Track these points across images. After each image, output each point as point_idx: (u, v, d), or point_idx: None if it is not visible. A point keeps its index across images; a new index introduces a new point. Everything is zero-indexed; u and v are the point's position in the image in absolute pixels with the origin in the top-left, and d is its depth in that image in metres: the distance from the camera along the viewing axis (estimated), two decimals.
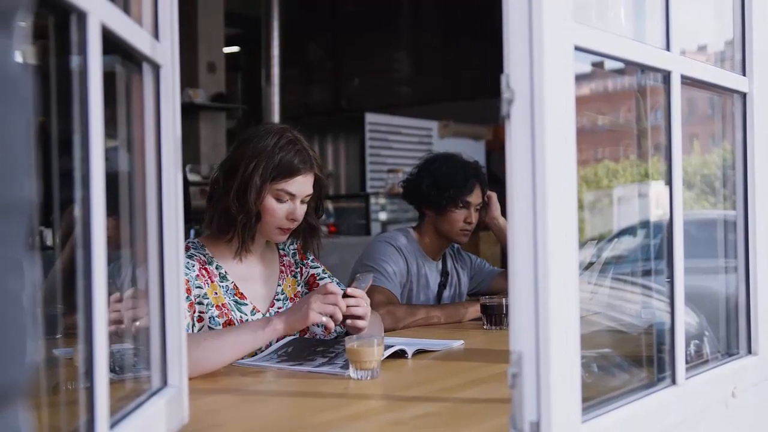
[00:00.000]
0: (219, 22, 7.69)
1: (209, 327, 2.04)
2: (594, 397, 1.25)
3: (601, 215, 1.71)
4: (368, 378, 1.77)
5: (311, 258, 2.34)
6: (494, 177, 5.67)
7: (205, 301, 2.05)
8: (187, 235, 1.89)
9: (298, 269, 2.31)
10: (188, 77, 7.19)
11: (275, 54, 7.27)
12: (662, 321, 1.50)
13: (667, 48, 1.46)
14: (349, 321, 2.02)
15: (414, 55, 10.14)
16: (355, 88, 10.30)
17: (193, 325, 2.01)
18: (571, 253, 1.14)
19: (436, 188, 2.87)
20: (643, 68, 1.50)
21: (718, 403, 1.58)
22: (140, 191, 1.27)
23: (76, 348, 1.01)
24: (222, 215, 2.10)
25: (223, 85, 7.78)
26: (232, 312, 2.08)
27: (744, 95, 1.73)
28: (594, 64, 1.37)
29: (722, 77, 1.69)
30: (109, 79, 1.02)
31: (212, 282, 2.09)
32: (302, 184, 2.10)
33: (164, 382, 1.30)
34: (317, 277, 2.31)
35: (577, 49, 1.18)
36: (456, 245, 3.08)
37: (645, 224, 1.74)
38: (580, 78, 1.19)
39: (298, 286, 2.29)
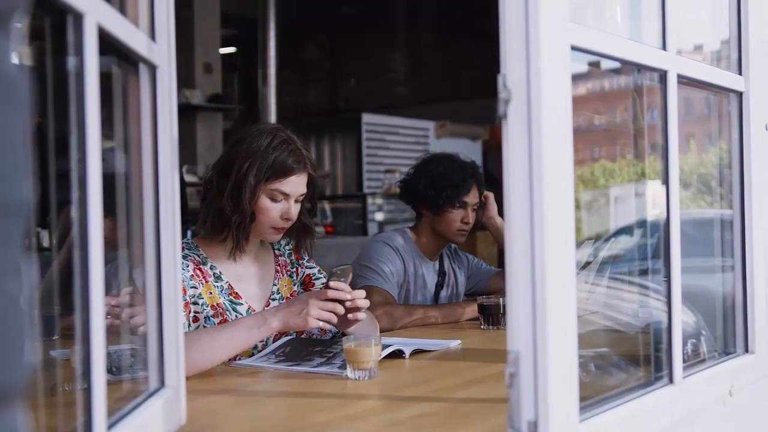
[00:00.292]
0: (215, 23, 7.69)
1: (204, 327, 2.04)
2: (592, 397, 1.25)
3: (597, 215, 1.72)
4: (366, 378, 1.77)
5: (306, 258, 2.34)
6: (491, 177, 5.68)
7: (200, 301, 2.05)
8: (183, 236, 1.89)
9: (294, 269, 2.31)
10: (185, 78, 7.19)
11: (272, 54, 7.26)
12: (659, 320, 1.51)
13: (664, 47, 1.46)
14: (350, 315, 2.00)
15: (411, 55, 10.15)
16: (352, 88, 10.31)
17: (189, 325, 2.02)
18: (568, 253, 1.14)
19: (433, 188, 2.87)
20: (640, 68, 1.50)
21: (715, 402, 1.58)
22: (137, 192, 1.27)
23: (73, 349, 1.01)
24: (216, 215, 2.10)
25: (220, 85, 7.78)
26: (228, 312, 2.09)
27: (740, 94, 1.74)
28: (590, 64, 1.37)
29: (718, 76, 1.69)
30: (105, 80, 1.02)
31: (207, 282, 2.09)
32: (296, 184, 2.11)
33: (162, 383, 1.30)
34: (313, 277, 2.31)
35: (574, 48, 1.18)
36: (453, 245, 3.08)
37: (642, 224, 1.74)
38: (576, 78, 1.19)
39: (294, 285, 2.29)
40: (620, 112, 1.81)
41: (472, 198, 2.90)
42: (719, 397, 1.59)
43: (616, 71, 1.60)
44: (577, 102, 1.18)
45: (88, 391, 0.94)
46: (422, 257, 2.95)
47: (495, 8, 1.12)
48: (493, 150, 8.22)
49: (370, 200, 7.71)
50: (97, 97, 0.97)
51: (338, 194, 8.60)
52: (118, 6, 1.13)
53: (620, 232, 1.85)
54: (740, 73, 1.73)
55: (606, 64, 1.45)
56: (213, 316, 2.07)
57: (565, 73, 1.15)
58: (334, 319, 1.93)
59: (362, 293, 2.01)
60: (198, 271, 2.08)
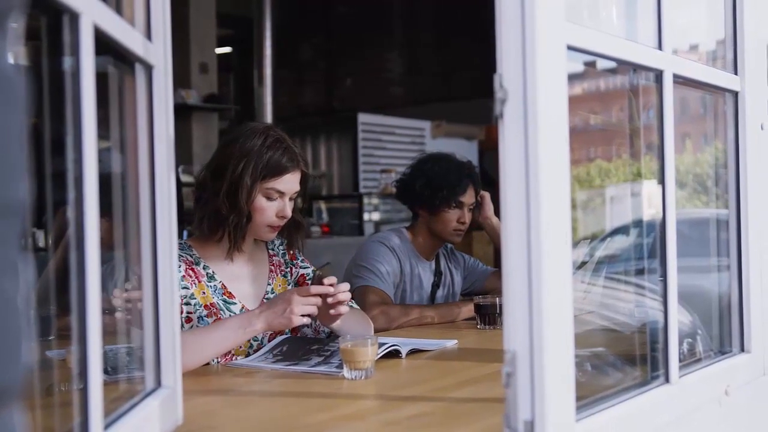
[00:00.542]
0: (211, 23, 7.68)
1: (197, 327, 2.05)
2: (588, 396, 1.25)
3: (593, 214, 1.72)
4: (362, 378, 1.77)
5: (301, 258, 2.35)
6: (487, 177, 5.68)
7: (193, 302, 2.06)
8: (180, 236, 1.90)
9: (288, 269, 2.32)
10: (180, 78, 7.18)
11: (268, 54, 7.26)
12: (655, 320, 1.51)
13: (659, 47, 1.46)
14: (332, 311, 2.03)
15: (407, 55, 10.15)
16: (348, 88, 10.31)
17: (182, 326, 2.01)
18: (564, 253, 1.14)
19: (429, 188, 2.87)
20: (636, 67, 1.50)
21: (711, 402, 1.59)
22: (133, 192, 1.27)
23: (69, 349, 1.01)
24: (211, 216, 2.11)
25: (216, 85, 7.77)
26: (221, 312, 2.09)
27: (736, 94, 1.74)
28: (586, 64, 1.37)
29: (714, 76, 1.69)
30: (101, 79, 1.01)
31: (199, 282, 2.10)
32: (291, 182, 2.13)
33: (158, 383, 1.30)
34: (307, 277, 2.32)
35: (570, 48, 1.18)
36: (449, 245, 3.08)
37: (637, 223, 1.75)
38: (572, 77, 1.19)
39: (288, 285, 2.29)
40: (616, 111, 1.81)
41: (468, 198, 2.90)
42: (715, 396, 1.60)
43: (611, 71, 1.60)
44: (573, 102, 1.18)
45: (84, 391, 0.94)
46: (418, 257, 2.95)
47: (491, 8, 1.12)
48: (489, 150, 8.22)
49: (366, 200, 7.71)
50: (93, 97, 0.97)
51: (334, 194, 8.59)
52: (114, 6, 1.13)
53: (616, 231, 1.85)
54: (736, 73, 1.74)
55: (602, 64, 1.45)
56: (207, 315, 2.07)
57: (562, 73, 1.15)
58: (315, 310, 1.95)
59: (346, 286, 2.04)
60: (190, 272, 2.09)
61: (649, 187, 1.58)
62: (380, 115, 8.70)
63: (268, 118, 7.15)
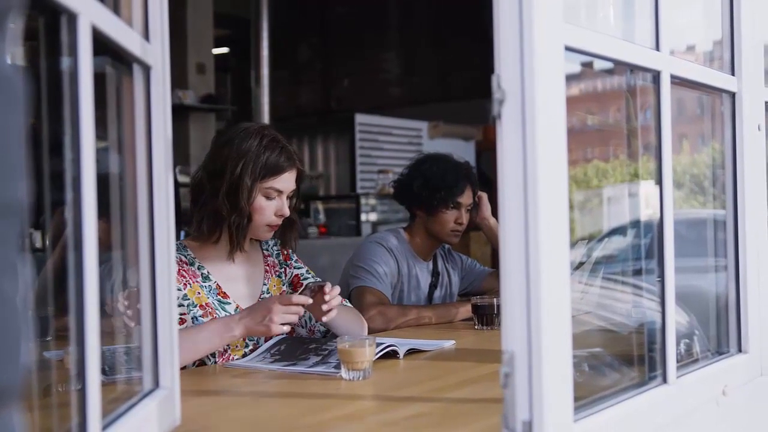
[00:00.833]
0: (208, 23, 7.67)
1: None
2: (586, 397, 1.26)
3: (590, 215, 1.72)
4: (360, 378, 1.77)
5: (294, 258, 2.37)
6: (484, 177, 5.69)
7: (186, 302, 2.06)
8: (177, 237, 1.89)
9: (282, 269, 2.33)
10: (178, 78, 7.18)
11: (264, 55, 7.26)
12: (653, 320, 1.51)
13: (657, 48, 1.46)
14: (325, 318, 2.04)
15: (404, 55, 10.15)
16: (345, 88, 10.31)
17: None
18: (562, 253, 1.14)
19: (427, 189, 2.87)
20: (634, 68, 1.50)
21: (709, 402, 1.59)
22: (131, 193, 1.27)
23: (67, 350, 1.01)
24: (211, 217, 2.11)
25: (213, 86, 7.76)
26: (217, 311, 2.11)
27: (733, 95, 1.74)
28: (583, 64, 1.37)
29: (711, 77, 1.69)
30: (99, 80, 1.01)
31: (194, 283, 2.10)
32: (288, 180, 2.16)
33: (156, 384, 1.30)
34: (301, 278, 2.34)
35: (568, 49, 1.18)
36: (446, 245, 3.08)
37: (635, 224, 1.75)
38: (569, 78, 1.19)
39: (283, 285, 2.31)
40: (613, 112, 1.81)
41: (466, 199, 2.90)
42: (713, 396, 1.60)
43: (608, 71, 1.60)
44: (570, 102, 1.18)
45: (82, 392, 0.94)
46: (416, 258, 2.96)
47: (488, 8, 1.12)
48: (487, 150, 8.23)
49: (363, 201, 7.71)
50: (91, 97, 0.97)
51: (331, 195, 8.59)
52: (112, 6, 1.13)
53: (613, 232, 1.85)
54: (733, 74, 1.74)
55: (598, 65, 1.45)
56: (202, 315, 2.08)
57: (559, 74, 1.15)
58: (296, 319, 1.94)
59: (337, 290, 2.05)
60: (183, 272, 2.09)
61: (647, 188, 1.59)
62: (377, 115, 8.70)
63: (265, 118, 7.15)
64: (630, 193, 1.74)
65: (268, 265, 2.30)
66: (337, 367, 1.83)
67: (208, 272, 2.15)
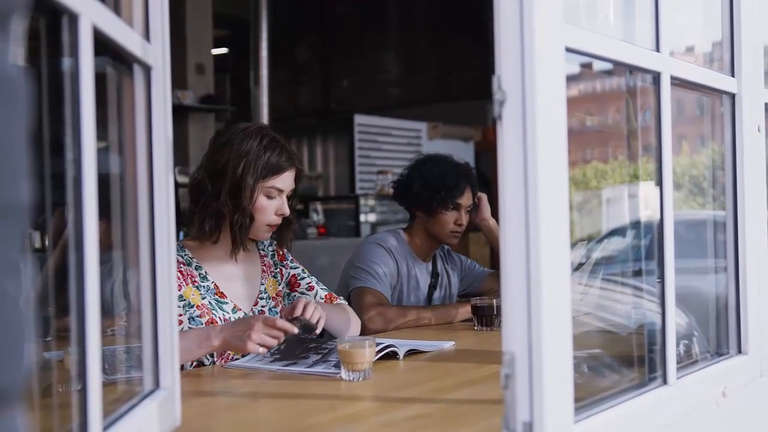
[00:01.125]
0: (207, 24, 7.67)
1: (189, 327, 2.06)
2: (586, 398, 1.26)
3: (590, 216, 1.72)
4: (360, 379, 1.77)
5: (290, 258, 2.38)
6: (483, 178, 5.68)
7: (181, 303, 2.06)
8: (176, 237, 1.89)
9: (278, 270, 2.34)
10: (177, 79, 7.17)
11: (264, 55, 7.26)
12: (653, 321, 1.51)
13: (657, 49, 1.46)
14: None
15: (403, 56, 10.15)
16: (344, 89, 10.31)
17: None
18: (563, 254, 1.14)
19: (426, 190, 2.86)
20: (634, 69, 1.50)
21: (709, 403, 1.59)
22: (131, 193, 1.27)
23: (67, 350, 1.01)
24: (213, 217, 2.12)
25: (212, 86, 7.76)
26: (214, 311, 2.11)
27: (733, 96, 1.74)
28: (582, 65, 1.37)
29: (711, 78, 1.69)
30: (99, 80, 1.01)
31: (191, 283, 2.11)
32: (288, 180, 2.17)
33: (156, 385, 1.30)
34: (298, 277, 2.36)
35: (569, 50, 1.18)
36: (446, 246, 3.08)
37: (634, 225, 1.75)
38: (568, 79, 1.19)
39: (279, 285, 2.32)
40: (612, 113, 1.81)
41: (465, 200, 2.90)
42: (713, 397, 1.60)
43: (607, 72, 1.60)
44: (569, 103, 1.18)
45: (83, 393, 0.94)
46: (415, 258, 2.95)
47: (488, 9, 1.12)
48: (486, 151, 8.23)
49: (362, 201, 7.70)
50: (92, 97, 0.97)
51: (331, 195, 8.58)
52: (113, 7, 1.13)
53: (613, 233, 1.85)
54: (733, 75, 1.74)
55: (598, 65, 1.45)
56: (200, 315, 2.09)
57: (560, 75, 1.15)
58: (275, 343, 1.89)
59: (313, 311, 2.03)
60: (179, 273, 2.09)
61: (646, 189, 1.59)
62: (377, 116, 8.69)
63: (265, 119, 7.14)
64: (629, 195, 1.74)
65: (265, 265, 2.32)
66: (338, 365, 1.83)
67: (206, 272, 2.16)
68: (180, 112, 7.17)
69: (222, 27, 8.37)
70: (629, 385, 1.44)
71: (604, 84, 1.69)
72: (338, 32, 10.31)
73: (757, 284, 1.75)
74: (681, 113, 1.79)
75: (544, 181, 1.09)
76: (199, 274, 2.15)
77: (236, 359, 2.07)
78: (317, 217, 7.57)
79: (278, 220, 2.18)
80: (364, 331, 2.58)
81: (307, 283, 2.36)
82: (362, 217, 7.61)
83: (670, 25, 1.48)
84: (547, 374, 1.08)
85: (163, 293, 1.30)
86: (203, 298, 2.11)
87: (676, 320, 1.48)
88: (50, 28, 0.94)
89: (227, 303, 2.15)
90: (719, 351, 1.75)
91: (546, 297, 1.09)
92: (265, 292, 2.26)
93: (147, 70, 1.28)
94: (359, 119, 8.49)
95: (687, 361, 1.62)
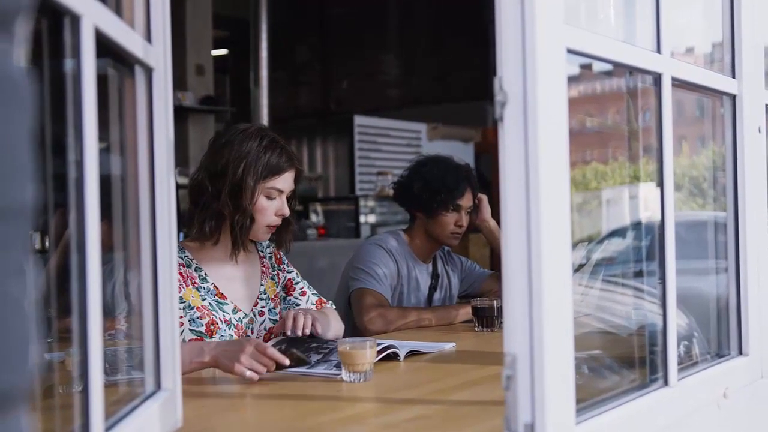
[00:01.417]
0: (207, 25, 7.67)
1: (189, 329, 2.07)
2: (588, 399, 1.26)
3: (589, 217, 1.72)
4: (361, 380, 1.77)
5: (286, 262, 2.40)
6: (483, 179, 5.68)
7: (182, 305, 2.06)
8: (177, 238, 1.89)
9: (275, 272, 2.36)
10: (177, 80, 7.12)
11: (263, 56, 7.26)
12: (653, 322, 1.51)
13: (658, 50, 1.46)
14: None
15: (403, 57, 10.15)
16: (344, 90, 10.31)
17: None
18: (564, 255, 1.14)
19: (427, 191, 2.86)
20: (635, 70, 1.50)
21: (710, 404, 1.59)
22: (133, 194, 1.27)
23: (68, 351, 1.01)
24: (213, 218, 2.12)
25: (212, 87, 7.76)
26: (214, 312, 2.12)
27: (733, 97, 1.74)
28: (582, 66, 1.38)
29: (712, 79, 1.70)
30: (101, 81, 1.01)
31: (191, 284, 2.11)
32: (288, 180, 2.18)
33: (158, 386, 1.30)
34: (293, 282, 2.38)
35: (570, 51, 1.18)
36: (446, 247, 3.08)
37: (634, 226, 1.75)
38: (569, 80, 1.19)
39: (277, 287, 2.34)
40: (612, 114, 1.82)
41: (466, 201, 2.89)
42: (714, 399, 1.60)
43: (608, 73, 1.60)
44: (570, 104, 1.18)
45: (85, 394, 0.94)
46: (415, 260, 2.95)
47: (488, 10, 1.12)
48: (486, 152, 8.23)
49: (362, 202, 7.70)
50: (94, 99, 0.97)
51: (330, 196, 8.58)
52: (115, 8, 1.13)
53: (613, 234, 1.85)
54: (734, 76, 1.74)
55: (598, 66, 1.45)
56: (200, 317, 2.10)
57: (561, 76, 1.15)
58: (263, 370, 1.82)
59: (301, 322, 2.07)
60: (179, 275, 2.09)
61: (646, 190, 1.59)
62: (376, 117, 8.69)
63: (264, 119, 7.14)
64: (629, 195, 1.74)
65: (264, 266, 2.33)
66: (338, 366, 1.82)
67: (205, 274, 2.16)
68: (180, 114, 7.17)
69: (222, 28, 8.38)
70: (630, 387, 1.44)
71: (604, 85, 1.69)
72: (338, 33, 10.32)
73: (757, 285, 1.75)
74: (681, 114, 1.79)
75: (545, 182, 1.09)
76: (199, 275, 2.15)
77: None
78: (317, 218, 7.57)
79: (278, 221, 2.18)
80: (365, 333, 2.58)
81: (300, 288, 2.37)
82: (362, 218, 7.61)
83: (670, 26, 1.48)
84: (549, 375, 1.08)
85: (164, 294, 1.30)
86: (203, 300, 2.12)
87: (676, 321, 1.48)
88: (52, 29, 0.94)
89: (227, 304, 2.16)
90: (720, 352, 1.75)
91: (547, 298, 1.09)
92: (265, 293, 2.27)
93: (148, 71, 1.28)
94: (359, 120, 8.49)
95: (688, 362, 1.62)
